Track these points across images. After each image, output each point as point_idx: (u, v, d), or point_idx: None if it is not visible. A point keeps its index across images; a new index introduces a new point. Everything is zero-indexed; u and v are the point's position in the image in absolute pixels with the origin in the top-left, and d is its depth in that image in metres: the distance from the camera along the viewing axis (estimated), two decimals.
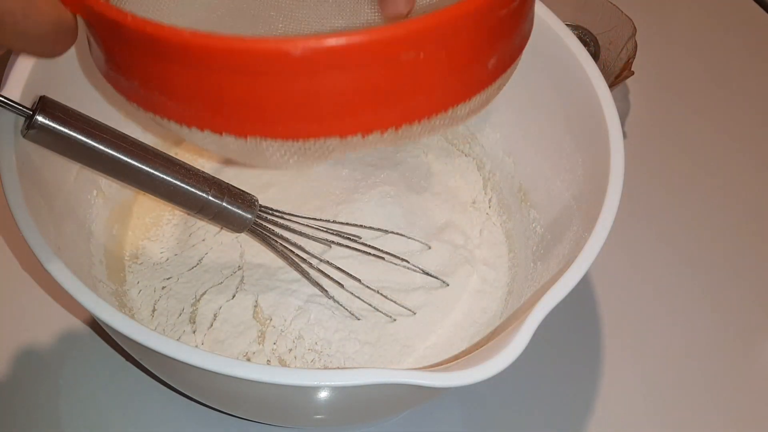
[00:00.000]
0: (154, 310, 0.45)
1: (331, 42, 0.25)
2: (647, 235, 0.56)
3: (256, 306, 0.44)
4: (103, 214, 0.45)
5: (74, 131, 0.34)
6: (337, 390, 0.32)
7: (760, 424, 0.48)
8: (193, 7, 0.39)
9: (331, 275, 0.44)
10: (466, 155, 0.54)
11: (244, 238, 0.47)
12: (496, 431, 0.46)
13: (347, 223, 0.47)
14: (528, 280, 0.45)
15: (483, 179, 0.52)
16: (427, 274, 0.46)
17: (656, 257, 0.55)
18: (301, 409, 0.38)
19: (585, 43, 0.59)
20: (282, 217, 0.44)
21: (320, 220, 0.46)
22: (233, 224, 0.42)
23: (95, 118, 0.36)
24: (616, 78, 0.56)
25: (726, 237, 0.57)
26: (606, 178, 0.37)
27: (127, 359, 0.46)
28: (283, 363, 0.43)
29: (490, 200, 0.52)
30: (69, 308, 0.48)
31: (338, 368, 0.42)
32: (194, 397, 0.44)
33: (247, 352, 0.43)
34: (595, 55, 0.60)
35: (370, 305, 0.44)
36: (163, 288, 0.45)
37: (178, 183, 0.39)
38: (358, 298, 0.44)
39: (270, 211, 0.44)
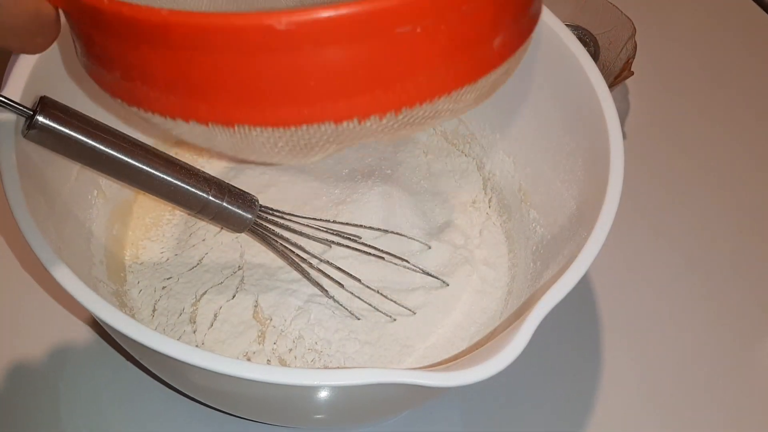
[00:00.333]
0: (154, 310, 0.45)
1: (319, 14, 0.23)
2: (647, 235, 0.56)
3: (256, 306, 0.44)
4: (104, 214, 0.45)
5: (75, 131, 0.34)
6: (337, 390, 0.32)
7: (760, 424, 0.48)
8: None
9: (331, 275, 0.44)
10: (466, 155, 0.54)
11: (244, 238, 0.47)
12: (496, 431, 0.46)
13: (347, 223, 0.47)
14: (528, 280, 0.45)
15: (483, 179, 0.52)
16: (427, 274, 0.46)
17: (656, 257, 0.55)
18: (301, 409, 0.38)
19: (585, 43, 0.59)
20: (282, 217, 0.44)
21: (320, 220, 0.46)
22: (233, 224, 0.42)
23: (96, 118, 0.36)
24: (616, 78, 0.56)
25: (726, 237, 0.57)
26: (606, 178, 0.37)
27: (127, 359, 0.46)
28: (283, 363, 0.43)
29: (490, 200, 0.52)
30: (69, 308, 0.48)
31: (338, 368, 0.42)
32: (194, 397, 0.44)
33: (247, 352, 0.43)
34: (595, 55, 0.60)
35: (370, 305, 0.44)
36: (164, 288, 0.45)
37: (179, 183, 0.39)
38: (358, 298, 0.44)
39: (270, 211, 0.44)
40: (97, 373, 0.46)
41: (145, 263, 0.46)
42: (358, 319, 0.44)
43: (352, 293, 0.44)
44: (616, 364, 0.49)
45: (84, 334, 0.47)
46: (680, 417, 0.48)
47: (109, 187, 0.46)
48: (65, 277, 0.32)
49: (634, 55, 0.57)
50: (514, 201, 0.50)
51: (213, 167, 0.50)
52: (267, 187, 0.49)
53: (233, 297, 0.45)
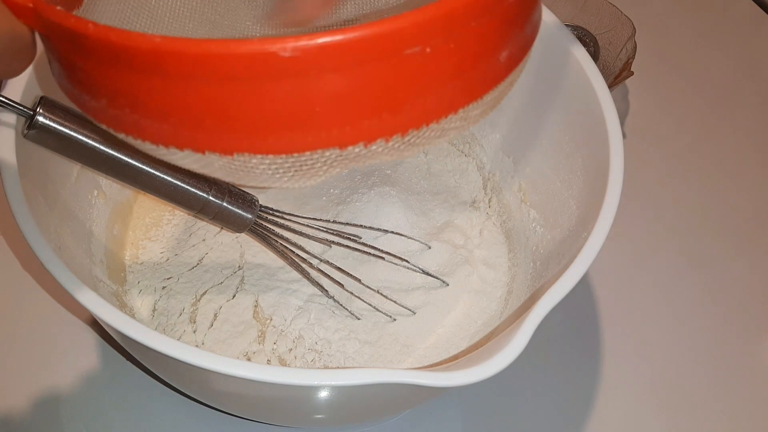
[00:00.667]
0: (154, 310, 0.45)
1: (326, 39, 0.22)
2: (647, 235, 0.56)
3: (256, 306, 0.45)
4: (104, 214, 0.45)
5: (75, 131, 0.34)
6: (337, 390, 0.32)
7: (760, 424, 0.48)
8: (161, 20, 0.35)
9: (331, 275, 0.44)
10: (466, 155, 0.54)
11: (244, 238, 0.47)
12: (496, 431, 0.46)
13: (347, 223, 0.47)
14: (528, 280, 0.45)
15: (483, 179, 0.52)
16: (427, 274, 0.46)
17: (656, 257, 0.55)
18: (301, 409, 0.38)
19: (585, 44, 0.59)
20: (282, 217, 0.44)
21: (320, 220, 0.46)
22: (234, 224, 0.42)
23: None
24: (616, 78, 0.56)
25: (726, 236, 0.57)
26: (605, 178, 0.37)
27: (127, 359, 0.46)
28: (283, 363, 0.43)
29: (490, 200, 0.52)
30: (70, 308, 0.48)
31: (338, 368, 0.42)
32: (195, 397, 0.44)
33: (247, 352, 0.43)
34: (595, 56, 0.60)
35: (370, 305, 0.44)
36: (164, 288, 0.45)
37: (179, 183, 0.39)
38: (358, 297, 0.44)
39: (270, 211, 0.44)
40: (97, 373, 0.46)
41: (145, 263, 0.46)
42: (358, 319, 0.44)
43: (352, 293, 0.44)
44: (616, 364, 0.49)
45: (84, 334, 0.47)
46: (680, 417, 0.48)
47: (109, 187, 0.46)
48: (65, 277, 0.32)
49: (634, 55, 0.57)
50: (514, 201, 0.50)
51: None
52: (267, 187, 0.49)
53: (233, 297, 0.45)
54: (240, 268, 0.46)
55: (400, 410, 0.45)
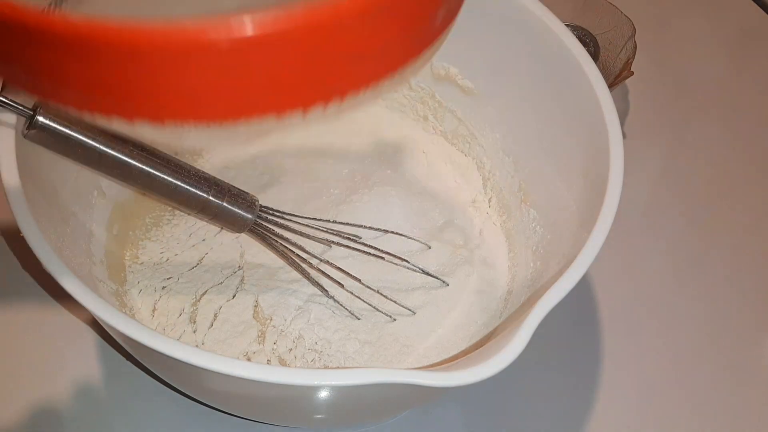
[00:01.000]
0: (154, 310, 0.45)
1: (267, 21, 0.21)
2: (647, 235, 0.56)
3: (256, 306, 0.45)
4: (104, 214, 0.45)
5: (75, 131, 0.34)
6: (337, 390, 0.32)
7: (760, 424, 0.48)
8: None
9: (331, 275, 0.44)
10: (466, 155, 0.54)
11: (244, 238, 0.47)
12: (497, 431, 0.46)
13: (347, 223, 0.47)
14: (528, 280, 0.45)
15: (483, 179, 0.52)
16: (427, 274, 0.46)
17: (656, 257, 0.55)
18: (301, 409, 0.38)
19: (585, 44, 0.59)
20: (282, 217, 0.44)
21: (320, 220, 0.46)
22: (234, 224, 0.42)
23: None
24: (616, 78, 0.56)
25: (726, 237, 0.57)
26: (605, 178, 0.37)
27: (127, 359, 0.46)
28: (283, 363, 0.43)
29: (490, 200, 0.52)
30: (69, 308, 0.48)
31: (338, 368, 0.43)
32: (195, 397, 0.44)
33: (247, 352, 0.43)
34: (595, 56, 0.60)
35: (370, 305, 0.44)
36: (164, 288, 0.45)
37: (179, 183, 0.39)
38: (358, 297, 0.44)
39: (270, 211, 0.44)
40: (97, 373, 0.46)
41: (145, 263, 0.46)
42: (358, 318, 0.44)
43: (352, 293, 0.44)
44: (616, 364, 0.49)
45: (84, 334, 0.47)
46: (680, 417, 0.48)
47: (109, 187, 0.46)
48: (65, 277, 0.32)
49: (634, 55, 0.57)
50: (514, 201, 0.50)
51: (213, 167, 0.50)
52: (267, 187, 0.49)
53: (233, 297, 0.45)
54: (240, 268, 0.46)
55: (400, 410, 0.45)
